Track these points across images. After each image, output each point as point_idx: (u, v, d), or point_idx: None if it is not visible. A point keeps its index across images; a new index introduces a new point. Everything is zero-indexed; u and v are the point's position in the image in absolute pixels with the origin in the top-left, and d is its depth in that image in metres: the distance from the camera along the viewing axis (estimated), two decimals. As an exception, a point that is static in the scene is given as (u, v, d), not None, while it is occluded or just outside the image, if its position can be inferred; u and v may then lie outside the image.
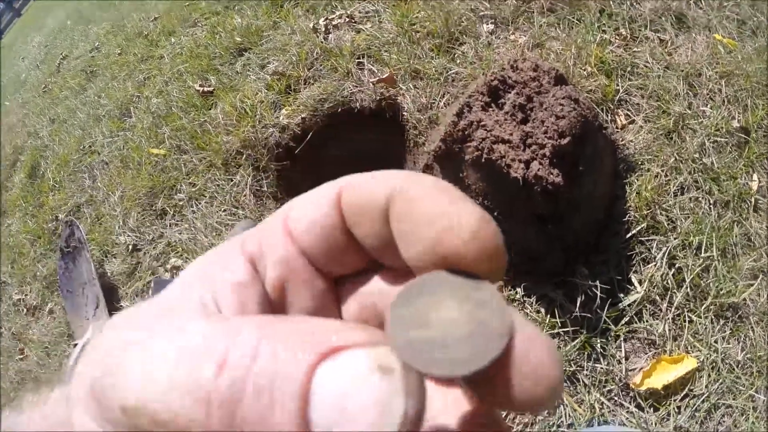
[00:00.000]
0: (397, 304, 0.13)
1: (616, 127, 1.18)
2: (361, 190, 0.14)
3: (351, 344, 0.12)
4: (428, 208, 0.13)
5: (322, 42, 1.56)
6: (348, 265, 0.16)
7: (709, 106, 1.23)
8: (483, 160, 0.85)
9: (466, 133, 0.90)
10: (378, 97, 1.30)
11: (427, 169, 1.05)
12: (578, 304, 0.93)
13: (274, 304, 0.15)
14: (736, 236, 1.07)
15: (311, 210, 0.15)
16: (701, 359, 0.96)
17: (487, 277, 0.13)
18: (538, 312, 0.95)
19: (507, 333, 0.12)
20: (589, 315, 0.93)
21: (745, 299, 1.01)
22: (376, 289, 0.16)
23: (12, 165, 2.75)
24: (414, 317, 0.13)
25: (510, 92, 0.93)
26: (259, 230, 0.16)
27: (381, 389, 0.11)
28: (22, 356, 1.78)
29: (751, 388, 0.91)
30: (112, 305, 1.54)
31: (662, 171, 1.11)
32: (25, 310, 1.96)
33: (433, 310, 0.13)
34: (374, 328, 0.13)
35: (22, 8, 9.84)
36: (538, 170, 0.81)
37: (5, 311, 2.05)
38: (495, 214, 0.91)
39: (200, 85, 1.75)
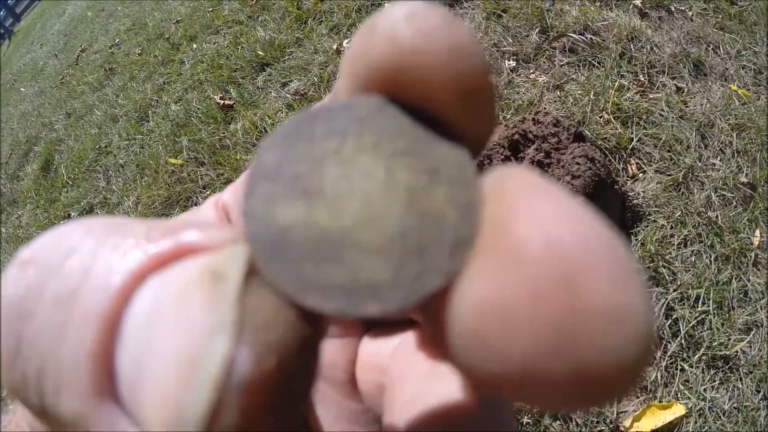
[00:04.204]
0: (270, 147, 0.08)
1: (627, 177, 1.28)
2: None
3: (195, 245, 0.08)
4: None
5: (344, 66, 1.67)
6: None
7: (719, 158, 1.34)
8: (497, 215, 0.98)
9: (483, 185, 1.02)
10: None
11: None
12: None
13: None
14: (733, 290, 1.17)
15: None
16: (690, 406, 1.08)
17: (462, 126, 0.08)
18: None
19: (467, 241, 0.07)
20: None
21: (737, 351, 1.12)
22: None
23: (25, 154, 2.89)
24: (295, 175, 0.08)
25: (530, 146, 1.04)
26: (237, 181, 0.15)
27: (198, 312, 0.07)
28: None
29: (734, 437, 1.02)
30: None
31: (668, 223, 1.21)
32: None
33: (337, 167, 0.08)
34: None
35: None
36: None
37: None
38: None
39: (221, 98, 1.86)
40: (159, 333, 0.07)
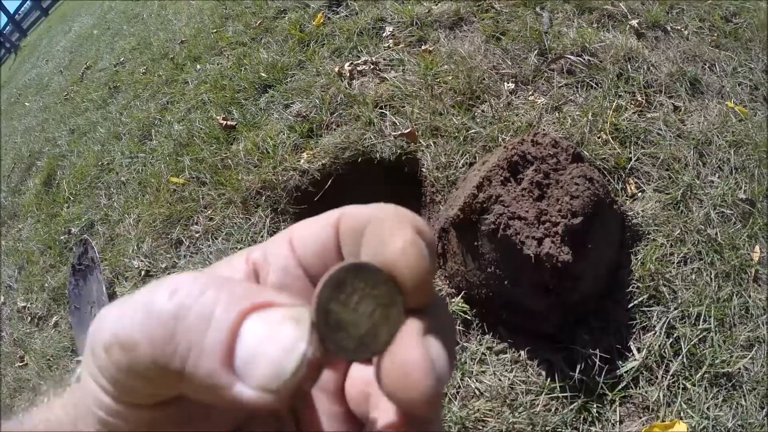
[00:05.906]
0: (334, 278, 0.16)
1: (627, 196, 1.31)
2: (354, 216, 0.19)
3: (278, 302, 0.15)
4: (381, 229, 0.17)
5: (346, 87, 1.71)
6: None
7: (717, 175, 1.37)
8: (499, 235, 0.99)
9: (485, 206, 1.03)
10: (398, 151, 1.45)
11: (444, 232, 1.19)
12: (578, 370, 1.06)
13: None
14: (734, 307, 1.19)
15: (314, 228, 0.19)
16: (693, 425, 1.08)
17: (412, 293, 0.16)
18: (539, 375, 1.08)
19: (382, 346, 0.16)
20: (587, 380, 1.06)
21: (739, 368, 1.13)
22: None
23: (27, 168, 2.92)
24: (340, 293, 0.16)
25: (529, 168, 1.06)
26: (265, 244, 0.21)
27: (289, 334, 0.14)
28: (22, 363, 1.89)
29: (738, 456, 1.03)
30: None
31: (667, 242, 1.24)
32: (29, 318, 2.06)
33: (357, 296, 0.16)
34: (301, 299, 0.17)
35: (50, 8, 10.24)
36: (550, 248, 0.94)
37: (8, 316, 2.17)
38: (504, 281, 1.05)
39: (223, 118, 1.90)
40: (268, 339, 0.14)
